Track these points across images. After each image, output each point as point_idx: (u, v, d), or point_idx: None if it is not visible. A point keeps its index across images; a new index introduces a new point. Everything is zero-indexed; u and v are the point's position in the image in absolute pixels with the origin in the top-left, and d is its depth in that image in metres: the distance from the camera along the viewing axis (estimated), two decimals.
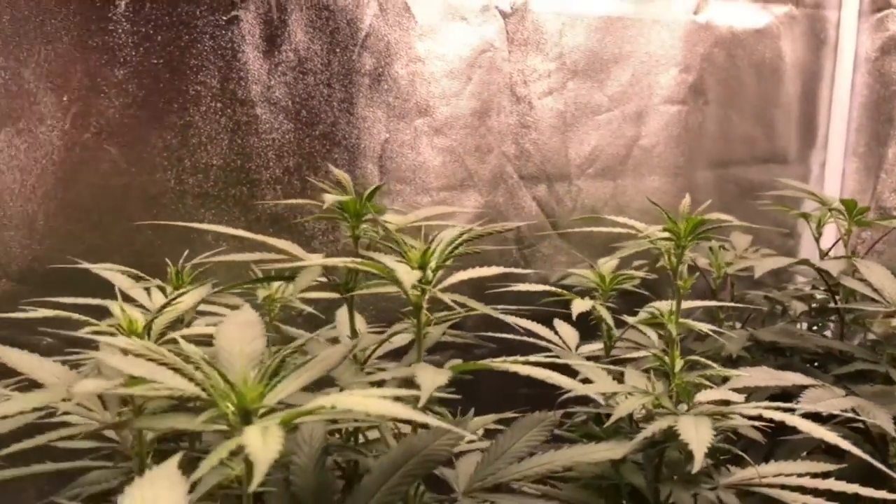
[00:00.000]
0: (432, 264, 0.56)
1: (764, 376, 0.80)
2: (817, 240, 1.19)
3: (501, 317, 0.65)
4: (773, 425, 0.96)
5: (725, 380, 0.79)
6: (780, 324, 1.13)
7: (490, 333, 0.94)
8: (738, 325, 1.25)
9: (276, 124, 1.14)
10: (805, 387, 0.81)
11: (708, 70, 1.46)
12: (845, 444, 0.57)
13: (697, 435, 0.56)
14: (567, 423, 0.87)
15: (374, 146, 1.20)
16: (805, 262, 1.03)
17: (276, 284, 0.85)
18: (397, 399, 0.42)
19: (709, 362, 0.71)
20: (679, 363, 0.68)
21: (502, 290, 0.92)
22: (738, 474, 0.69)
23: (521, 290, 0.93)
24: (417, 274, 0.53)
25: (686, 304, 0.89)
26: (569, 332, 0.95)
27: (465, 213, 1.29)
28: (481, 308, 0.60)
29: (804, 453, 0.96)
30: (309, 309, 0.91)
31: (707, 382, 0.68)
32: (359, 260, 0.58)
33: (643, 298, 0.93)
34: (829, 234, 1.55)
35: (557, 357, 0.84)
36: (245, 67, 1.11)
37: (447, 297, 0.55)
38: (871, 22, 1.55)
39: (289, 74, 1.14)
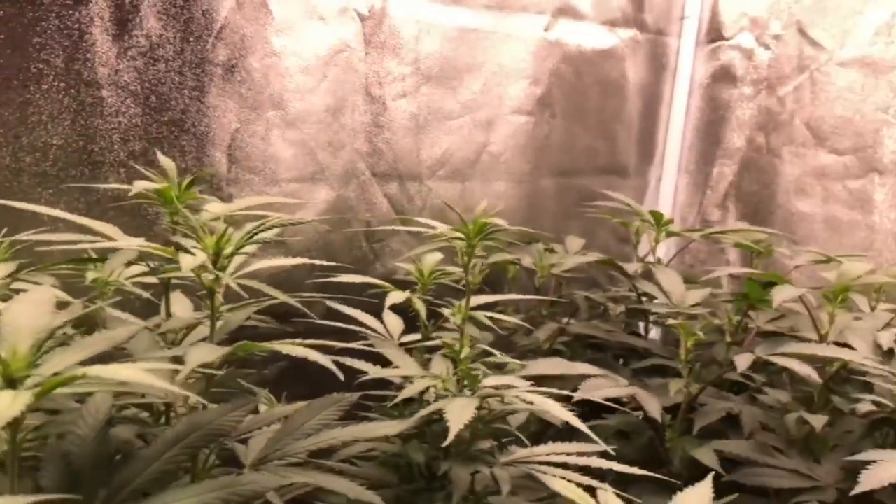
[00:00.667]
0: (227, 251, 0.61)
1: (553, 366, 0.89)
2: (635, 246, 1.31)
3: (316, 302, 0.70)
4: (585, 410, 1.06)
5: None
6: (594, 321, 1.23)
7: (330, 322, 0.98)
8: (566, 321, 1.35)
9: (123, 108, 1.14)
10: (594, 377, 0.91)
11: (556, 84, 1.56)
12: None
13: (459, 414, 0.63)
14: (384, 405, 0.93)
15: (224, 135, 1.23)
16: (608, 262, 1.14)
17: (108, 267, 0.87)
18: (160, 372, 0.46)
19: (496, 352, 0.79)
20: (466, 350, 0.75)
21: (332, 280, 0.98)
22: (518, 454, 0.77)
23: (350, 281, 1.00)
24: (199, 259, 0.57)
25: (493, 299, 0.97)
26: (394, 323, 1.02)
27: (315, 206, 1.34)
28: (279, 296, 0.65)
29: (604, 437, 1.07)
30: (146, 294, 0.93)
31: (487, 370, 0.75)
32: (154, 245, 0.61)
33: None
34: (671, 243, 1.70)
35: (372, 345, 0.90)
36: (92, 49, 1.11)
37: (234, 283, 0.60)
38: (706, 51, 1.71)
39: (139, 59, 1.15)
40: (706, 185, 1.72)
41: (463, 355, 0.75)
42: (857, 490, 0.67)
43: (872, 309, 1.18)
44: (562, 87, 1.57)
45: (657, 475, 0.79)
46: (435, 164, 1.46)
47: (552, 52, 1.55)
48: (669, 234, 1.24)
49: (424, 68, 1.41)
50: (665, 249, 1.78)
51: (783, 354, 0.83)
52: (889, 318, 0.99)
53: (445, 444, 0.60)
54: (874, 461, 0.71)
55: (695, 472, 0.91)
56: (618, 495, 0.65)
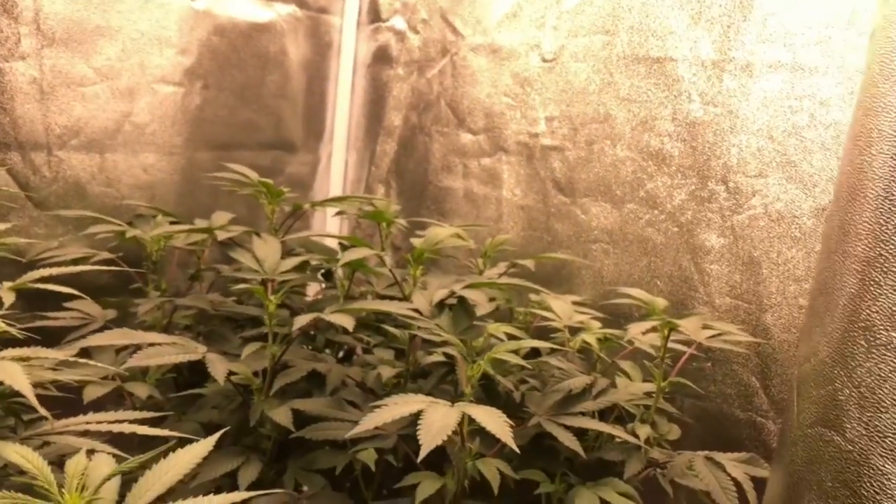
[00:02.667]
0: None
1: (119, 336, 0.87)
2: (269, 219, 1.32)
3: None
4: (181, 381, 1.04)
5: None
6: (211, 294, 1.23)
7: None
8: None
9: None
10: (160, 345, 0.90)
11: (207, 56, 1.53)
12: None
13: None
14: None
15: None
16: (204, 230, 1.13)
17: None
18: None
19: None
20: None
21: None
22: (44, 427, 0.74)
23: None
24: None
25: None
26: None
27: None
28: None
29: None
30: None
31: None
32: None
33: None
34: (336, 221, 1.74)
35: None
36: None
37: None
38: (367, 31, 1.77)
39: None
40: (371, 162, 1.78)
41: None
42: (353, 432, 0.73)
43: (481, 273, 1.30)
44: (214, 59, 1.55)
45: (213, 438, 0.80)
46: (65, 133, 1.36)
47: (201, 21, 1.51)
48: (297, 207, 1.26)
49: (46, 29, 1.31)
50: (337, 224, 1.84)
51: (337, 311, 0.88)
52: (458, 280, 1.09)
53: None
54: (392, 405, 0.77)
55: (283, 432, 0.95)
56: (116, 455, 0.65)
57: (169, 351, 0.86)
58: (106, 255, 1.23)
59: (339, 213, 1.58)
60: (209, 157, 1.58)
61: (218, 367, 0.87)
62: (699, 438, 1.28)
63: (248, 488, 0.91)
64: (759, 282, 1.27)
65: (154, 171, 1.49)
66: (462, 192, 1.62)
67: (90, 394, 0.94)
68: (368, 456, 0.87)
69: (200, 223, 1.36)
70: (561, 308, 1.10)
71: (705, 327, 0.96)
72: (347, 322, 0.84)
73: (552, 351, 1.05)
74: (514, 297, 1.33)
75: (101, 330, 1.15)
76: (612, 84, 1.42)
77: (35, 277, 0.88)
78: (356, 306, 0.92)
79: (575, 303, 1.23)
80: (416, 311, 0.92)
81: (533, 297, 1.28)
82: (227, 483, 0.92)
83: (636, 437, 0.91)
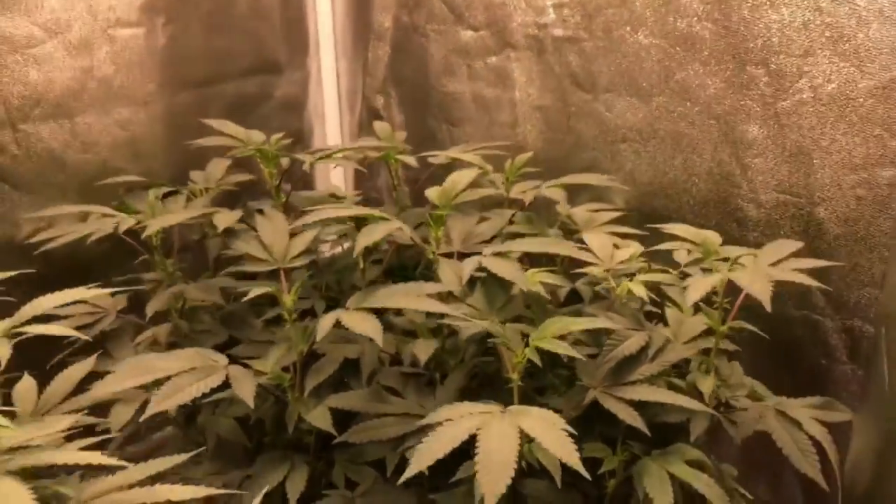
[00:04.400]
0: None
1: (131, 373, 0.79)
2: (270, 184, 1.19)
3: None
4: None
5: None
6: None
7: None
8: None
9: None
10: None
11: None
12: None
13: None
14: None
15: None
16: (206, 214, 1.02)
17: None
18: None
19: None
20: None
21: None
22: None
23: None
24: None
25: None
26: None
27: None
28: None
29: None
30: None
31: None
32: None
33: None
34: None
35: None
36: None
37: None
38: None
39: None
40: (365, 71, 1.62)
41: None
42: (407, 475, 0.66)
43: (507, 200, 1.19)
44: None
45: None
46: (25, 104, 1.22)
47: None
48: (294, 161, 1.13)
49: None
50: (342, 175, 1.70)
51: (358, 308, 0.79)
52: (482, 218, 0.99)
53: None
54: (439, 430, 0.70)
55: (322, 433, 0.89)
56: None
57: (187, 381, 0.78)
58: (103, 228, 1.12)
59: (338, 166, 1.45)
60: (189, 98, 1.44)
61: (244, 387, 0.80)
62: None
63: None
64: (810, 173, 1.15)
65: (132, 126, 1.35)
66: (470, 97, 1.48)
67: (119, 419, 0.89)
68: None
69: (197, 176, 1.26)
70: (599, 245, 1.00)
71: (770, 265, 0.86)
72: (373, 331, 0.76)
73: (595, 299, 0.96)
74: (541, 213, 1.23)
75: (114, 324, 1.08)
76: None
77: (28, 317, 0.79)
78: (380, 295, 0.83)
79: (606, 211, 1.13)
80: (447, 295, 0.83)
81: (560, 209, 1.17)
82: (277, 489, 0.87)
83: (699, 393, 0.85)
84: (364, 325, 0.77)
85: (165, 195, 1.15)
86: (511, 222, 1.10)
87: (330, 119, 1.66)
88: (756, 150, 1.19)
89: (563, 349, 0.75)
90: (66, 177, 1.28)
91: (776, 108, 1.16)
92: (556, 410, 0.70)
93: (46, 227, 1.17)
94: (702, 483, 0.78)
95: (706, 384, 0.85)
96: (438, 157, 1.16)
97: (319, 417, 0.86)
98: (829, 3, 1.08)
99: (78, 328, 1.05)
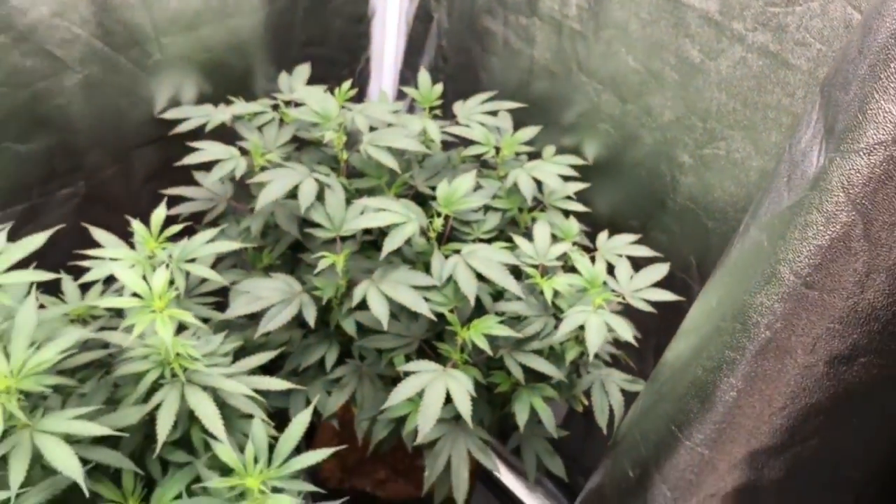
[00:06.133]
0: None
1: (246, 304, 1.41)
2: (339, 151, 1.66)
3: None
4: None
5: None
6: None
7: None
8: None
9: None
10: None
11: None
12: None
13: None
14: None
15: None
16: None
17: None
18: None
19: None
20: None
21: None
22: None
23: None
24: None
25: None
26: None
27: None
28: None
29: None
30: None
31: None
32: None
33: None
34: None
35: None
36: None
37: None
38: None
39: None
40: None
41: None
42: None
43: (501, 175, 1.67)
44: None
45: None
46: (166, 23, 1.64)
47: None
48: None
49: None
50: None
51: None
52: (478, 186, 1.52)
53: None
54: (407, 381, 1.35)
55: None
56: None
57: (278, 310, 1.40)
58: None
59: None
60: (283, 5, 1.80)
61: (309, 311, 1.42)
62: None
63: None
64: None
65: (241, 32, 1.76)
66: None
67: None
68: (399, 361, 1.45)
69: (283, 80, 1.72)
70: (541, 237, 1.52)
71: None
72: (383, 315, 1.36)
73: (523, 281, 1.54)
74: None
75: (224, 211, 1.65)
76: None
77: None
78: (392, 280, 1.41)
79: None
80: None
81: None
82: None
83: (564, 359, 1.47)
84: (378, 309, 1.37)
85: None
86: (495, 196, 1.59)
87: None
88: None
89: (501, 330, 1.34)
90: (193, 73, 1.73)
91: None
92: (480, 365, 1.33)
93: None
94: (546, 414, 1.44)
95: (571, 353, 1.47)
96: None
97: (349, 325, 1.49)
98: None
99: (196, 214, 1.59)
